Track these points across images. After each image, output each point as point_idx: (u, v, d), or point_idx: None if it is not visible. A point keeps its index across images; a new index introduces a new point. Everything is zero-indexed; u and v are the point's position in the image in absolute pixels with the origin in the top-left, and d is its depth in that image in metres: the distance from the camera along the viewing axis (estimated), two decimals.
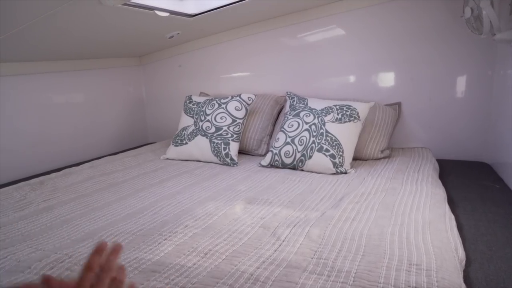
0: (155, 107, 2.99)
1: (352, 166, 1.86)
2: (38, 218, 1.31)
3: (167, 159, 2.16)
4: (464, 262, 1.02)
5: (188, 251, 1.05)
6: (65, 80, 2.31)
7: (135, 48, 2.64)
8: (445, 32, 2.09)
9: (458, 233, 1.14)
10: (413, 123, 2.23)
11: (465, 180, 1.76)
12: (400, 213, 1.26)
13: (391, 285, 0.84)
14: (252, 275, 0.91)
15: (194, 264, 0.97)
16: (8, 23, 1.52)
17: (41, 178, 1.76)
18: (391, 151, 2.09)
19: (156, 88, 2.96)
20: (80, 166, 1.99)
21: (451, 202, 1.45)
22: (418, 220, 1.19)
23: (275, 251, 1.03)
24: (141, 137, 2.97)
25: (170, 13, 1.88)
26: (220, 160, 2.03)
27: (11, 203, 1.46)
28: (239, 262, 0.97)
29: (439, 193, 1.45)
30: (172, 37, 2.41)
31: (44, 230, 1.22)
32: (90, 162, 2.06)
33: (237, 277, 0.90)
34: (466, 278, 0.95)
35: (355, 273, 0.89)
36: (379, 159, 1.99)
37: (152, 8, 1.78)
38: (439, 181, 1.62)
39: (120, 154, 2.26)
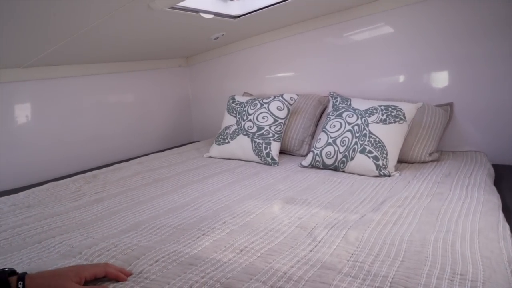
0: (200, 107, 3.09)
1: (396, 169, 1.79)
2: (90, 209, 1.42)
3: (210, 157, 2.22)
4: None
5: (225, 246, 1.07)
6: (117, 81, 2.46)
7: (182, 49, 2.75)
8: (505, 27, 1.93)
9: None
10: (467, 125, 2.09)
11: None
12: (446, 219, 1.19)
13: None
14: (285, 273, 0.91)
15: (230, 260, 0.99)
16: (71, 27, 1.65)
17: (94, 172, 1.90)
18: (440, 154, 1.98)
19: (201, 88, 3.06)
20: (129, 162, 2.11)
21: (507, 211, 1.34)
22: (466, 228, 1.12)
23: (311, 251, 1.03)
24: (187, 136, 3.08)
25: (214, 15, 1.93)
26: (261, 160, 2.05)
27: (67, 193, 1.59)
28: (273, 260, 0.98)
29: (493, 200, 1.34)
30: (217, 38, 2.47)
31: (94, 220, 1.31)
32: (138, 159, 2.17)
33: (271, 274, 0.90)
34: None
35: (392, 279, 0.86)
36: (427, 162, 1.89)
37: (197, 11, 1.84)
38: (494, 188, 1.50)
39: (166, 151, 2.37)
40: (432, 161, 1.90)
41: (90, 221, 1.30)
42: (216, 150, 2.21)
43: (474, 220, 1.17)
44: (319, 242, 1.08)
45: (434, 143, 1.92)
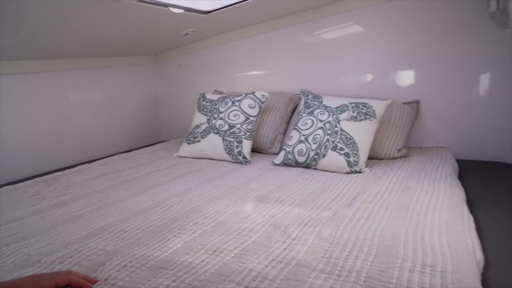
0: (169, 105, 3.01)
1: (367, 165, 1.82)
2: (50, 213, 1.33)
3: (180, 156, 2.16)
4: (482, 265, 0.97)
5: (197, 248, 1.03)
6: (80, 78, 2.34)
7: (150, 46, 2.67)
8: (468, 27, 2.01)
9: (476, 235, 1.09)
10: (432, 122, 2.16)
11: (486, 181, 1.69)
12: (415, 213, 1.21)
13: (403, 286, 0.80)
14: (260, 273, 0.89)
15: (202, 262, 0.96)
16: (27, 21, 1.54)
17: (55, 174, 1.79)
18: (408, 151, 2.03)
19: (170, 86, 2.98)
20: (93, 163, 2.01)
21: (470, 203, 1.38)
22: (435, 221, 1.14)
23: (285, 249, 1.01)
24: (155, 135, 2.99)
25: (184, 10, 1.88)
26: (232, 158, 2.02)
27: (24, 198, 1.48)
28: (247, 260, 0.96)
29: (458, 194, 1.39)
30: (186, 34, 2.41)
31: (55, 225, 1.23)
32: (103, 159, 2.08)
33: (245, 275, 0.88)
34: (484, 282, 0.90)
35: (366, 273, 0.86)
36: (396, 158, 1.94)
37: (166, 5, 1.78)
38: (458, 181, 1.55)
39: (134, 151, 2.28)
40: (400, 157, 1.94)
41: (50, 227, 1.21)
42: (186, 149, 2.15)
43: (442, 213, 1.20)
44: (293, 240, 1.07)
45: (402, 139, 1.97)
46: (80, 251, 1.01)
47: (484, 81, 2.05)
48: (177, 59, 2.89)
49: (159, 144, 2.48)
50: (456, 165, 1.80)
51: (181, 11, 1.89)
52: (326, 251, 0.99)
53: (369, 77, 2.30)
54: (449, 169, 1.68)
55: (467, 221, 1.16)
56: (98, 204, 1.42)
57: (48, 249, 1.03)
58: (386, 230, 1.09)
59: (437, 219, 1.16)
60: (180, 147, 2.20)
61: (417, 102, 2.15)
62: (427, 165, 1.76)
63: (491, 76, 2.03)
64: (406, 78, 2.22)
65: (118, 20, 1.86)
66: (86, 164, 1.98)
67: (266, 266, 0.92)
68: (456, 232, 1.08)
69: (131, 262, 0.96)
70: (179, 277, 0.88)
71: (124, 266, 0.94)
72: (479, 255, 0.98)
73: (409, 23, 2.14)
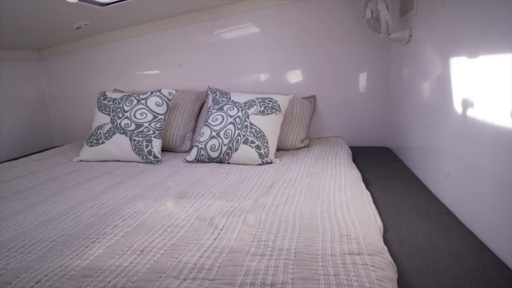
0: (61, 107, 2.70)
1: (276, 156, 1.94)
2: None
3: (81, 160, 1.97)
4: (382, 229, 1.15)
5: (122, 250, 0.98)
6: None
7: (33, 39, 2.35)
8: (349, 31, 2.31)
9: (374, 206, 1.28)
10: (326, 115, 2.42)
11: (373, 163, 1.98)
12: (325, 194, 1.36)
13: (328, 255, 0.90)
14: (196, 264, 0.89)
15: (131, 263, 0.91)
16: None
17: None
18: (309, 141, 2.23)
19: (61, 85, 2.67)
20: None
21: (365, 181, 1.61)
22: (342, 198, 1.30)
23: (215, 239, 1.03)
24: (45, 140, 2.65)
25: (79, 0, 1.72)
26: (142, 158, 1.93)
27: None
28: (179, 254, 0.94)
29: (355, 174, 1.60)
30: (79, 28, 2.20)
31: None
32: None
33: (181, 268, 0.87)
34: (385, 242, 1.07)
35: (295, 249, 0.94)
36: (300, 148, 2.11)
37: None
38: (354, 164, 1.78)
39: (22, 158, 1.99)
40: (304, 147, 2.13)
41: None
42: (88, 152, 1.97)
43: (346, 191, 1.37)
44: (221, 230, 1.09)
45: (304, 131, 2.16)
46: None
47: (364, 78, 2.39)
48: (66, 56, 2.61)
49: (53, 149, 2.22)
50: (350, 151, 2.05)
51: (75, 0, 1.73)
52: (255, 235, 1.05)
53: (268, 74, 2.45)
54: (345, 155, 1.91)
55: (366, 196, 1.35)
56: None
57: None
58: (303, 211, 1.20)
59: (343, 196, 1.32)
60: (81, 151, 2.00)
61: (313, 97, 2.38)
62: (327, 153, 1.97)
63: (370, 74, 2.37)
64: (301, 75, 2.44)
65: None
66: None
67: (200, 257, 0.93)
68: (360, 205, 1.24)
69: (45, 276, 0.86)
70: (109, 282, 0.83)
71: (38, 282, 0.83)
72: (379, 222, 1.15)
73: (301, 26, 2.36)
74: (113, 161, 1.96)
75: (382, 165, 1.93)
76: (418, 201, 1.42)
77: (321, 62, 2.37)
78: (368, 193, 1.40)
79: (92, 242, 1.03)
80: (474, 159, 1.18)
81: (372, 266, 0.86)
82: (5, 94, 2.34)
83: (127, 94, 2.13)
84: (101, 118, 2.04)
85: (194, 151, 1.91)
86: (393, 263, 0.92)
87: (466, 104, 1.25)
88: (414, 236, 1.14)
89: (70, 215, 1.23)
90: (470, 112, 1.22)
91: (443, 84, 1.45)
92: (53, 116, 2.72)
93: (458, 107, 1.31)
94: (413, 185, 1.61)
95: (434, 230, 1.17)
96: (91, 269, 0.89)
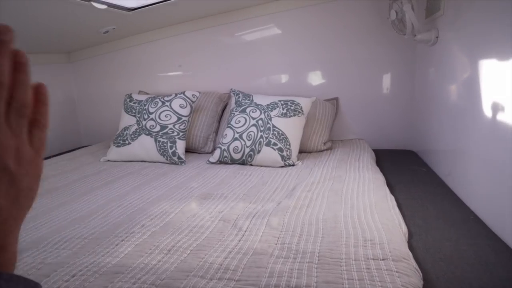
0: (88, 108, 2.80)
1: (298, 159, 1.94)
2: None
3: (108, 160, 2.04)
4: (407, 235, 1.14)
5: (150, 249, 1.01)
6: None
7: (64, 43, 2.45)
8: (374, 32, 2.28)
9: (399, 211, 1.27)
10: (349, 117, 2.40)
11: (397, 166, 1.95)
12: (348, 197, 1.36)
13: (352, 259, 0.91)
14: (221, 265, 0.91)
15: (159, 262, 0.94)
16: None
17: None
18: (332, 143, 2.22)
19: (88, 87, 2.77)
20: None
21: (389, 185, 1.59)
22: (365, 202, 1.29)
23: (239, 241, 1.05)
24: (74, 140, 2.75)
25: (108, 6, 1.78)
26: (166, 159, 1.98)
27: None
28: (205, 255, 0.97)
29: (379, 178, 1.58)
30: (107, 32, 2.28)
31: None
32: None
33: (207, 268, 0.90)
34: (410, 248, 1.06)
35: (318, 253, 0.95)
36: (322, 151, 2.11)
37: None
38: (377, 168, 1.77)
39: (53, 158, 2.08)
40: (326, 149, 2.12)
41: None
42: (115, 152, 2.04)
43: (370, 195, 1.36)
44: (245, 231, 1.11)
45: (327, 133, 2.16)
46: (16, 267, 0.91)
47: (388, 80, 2.36)
48: (93, 58, 2.70)
49: (82, 149, 2.30)
50: (373, 154, 2.03)
51: (104, 6, 1.79)
52: (278, 238, 1.06)
53: (290, 76, 2.45)
54: (369, 158, 1.89)
55: (390, 200, 1.33)
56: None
57: None
58: (327, 214, 1.20)
59: (367, 200, 1.31)
60: (108, 151, 2.07)
61: (336, 99, 2.37)
62: (350, 155, 1.96)
63: (394, 75, 2.34)
64: (324, 77, 2.43)
65: (29, 11, 1.68)
66: None
67: (226, 258, 0.95)
68: (384, 210, 1.23)
69: (80, 271, 0.90)
70: (139, 279, 0.86)
71: (73, 276, 0.88)
72: (403, 227, 1.14)
73: (324, 27, 2.35)
74: (138, 161, 2.02)
75: (406, 169, 1.90)
76: (444, 207, 1.40)
77: (344, 63, 2.36)
78: (392, 197, 1.38)
79: (122, 241, 1.07)
80: (503, 164, 1.15)
81: (397, 272, 0.85)
82: None
83: (152, 96, 2.19)
84: (128, 120, 2.10)
85: (217, 152, 1.94)
86: (419, 269, 0.92)
87: (496, 107, 1.22)
88: (440, 242, 1.13)
89: (100, 214, 1.28)
90: (500, 116, 1.19)
91: (472, 86, 1.42)
92: (80, 117, 2.81)
93: (487, 111, 1.28)
94: (439, 190, 1.58)
95: (462, 237, 1.15)
96: (121, 266, 0.92)
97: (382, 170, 1.77)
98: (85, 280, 0.85)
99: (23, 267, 0.92)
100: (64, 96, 2.70)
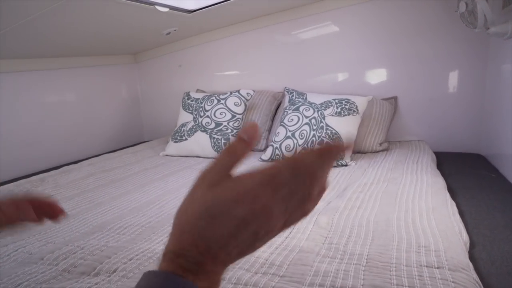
0: (150, 105, 2.98)
1: (352, 159, 1.89)
2: None
3: (167, 155, 2.16)
4: (468, 244, 1.05)
5: None
6: (57, 78, 2.27)
7: (131, 45, 2.63)
8: (439, 27, 2.13)
9: (460, 218, 1.18)
10: (409, 117, 2.28)
11: (461, 170, 1.81)
12: (403, 200, 1.29)
13: (403, 265, 0.86)
14: (267, 260, 0.92)
15: None
16: (4, 19, 1.50)
17: (41, 175, 1.75)
18: (389, 144, 2.13)
19: (151, 86, 2.95)
20: (79, 163, 1.97)
21: (450, 191, 1.48)
22: (422, 207, 1.22)
23: (286, 238, 1.05)
24: (136, 135, 2.95)
25: (170, 8, 1.88)
26: None
27: None
28: None
29: (439, 182, 1.48)
30: (169, 33, 2.41)
31: (51, 224, 1.21)
32: (89, 160, 2.04)
33: (253, 262, 0.91)
34: (472, 259, 0.98)
35: (367, 256, 0.92)
36: (378, 151, 2.03)
37: (152, 3, 1.78)
38: (438, 171, 1.65)
39: (118, 151, 2.25)
40: (382, 150, 2.03)
41: (46, 226, 1.19)
42: (173, 147, 2.15)
43: (427, 200, 1.28)
44: (293, 229, 1.11)
45: (383, 133, 2.07)
46: (82, 248, 1.01)
47: (455, 77, 2.19)
48: (156, 59, 2.86)
49: (144, 144, 2.46)
50: (434, 156, 1.91)
51: (166, 9, 1.90)
52: (326, 237, 1.04)
53: (347, 75, 2.38)
54: (429, 160, 1.78)
55: (450, 206, 1.24)
56: (91, 203, 1.40)
57: (49, 247, 1.02)
58: (379, 217, 1.16)
59: (423, 205, 1.24)
60: (167, 146, 2.19)
61: (395, 98, 2.26)
62: (408, 157, 1.86)
63: (461, 72, 2.17)
64: (383, 75, 2.32)
65: (101, 17, 1.83)
66: (71, 165, 1.93)
67: (272, 253, 0.96)
68: (442, 216, 1.15)
69: (136, 255, 0.97)
70: None
71: (131, 259, 0.95)
72: (465, 236, 1.06)
73: (383, 23, 2.25)
74: (194, 157, 2.10)
75: (472, 174, 1.75)
76: None
77: (405, 60, 2.23)
78: (453, 203, 1.29)
79: None
80: None
81: (453, 282, 0.79)
82: (106, 95, 2.66)
83: (209, 94, 2.27)
84: (185, 117, 2.21)
85: (269, 150, 1.96)
86: (480, 282, 0.84)
87: None
88: (509, 255, 1.03)
89: (156, 204, 1.36)
90: None
91: None
92: (143, 114, 3.01)
93: None
94: (509, 198, 1.43)
95: None
96: None
97: (443, 174, 1.66)
98: (140, 264, 0.92)
99: (89, 247, 1.01)
100: (130, 94, 2.91)
